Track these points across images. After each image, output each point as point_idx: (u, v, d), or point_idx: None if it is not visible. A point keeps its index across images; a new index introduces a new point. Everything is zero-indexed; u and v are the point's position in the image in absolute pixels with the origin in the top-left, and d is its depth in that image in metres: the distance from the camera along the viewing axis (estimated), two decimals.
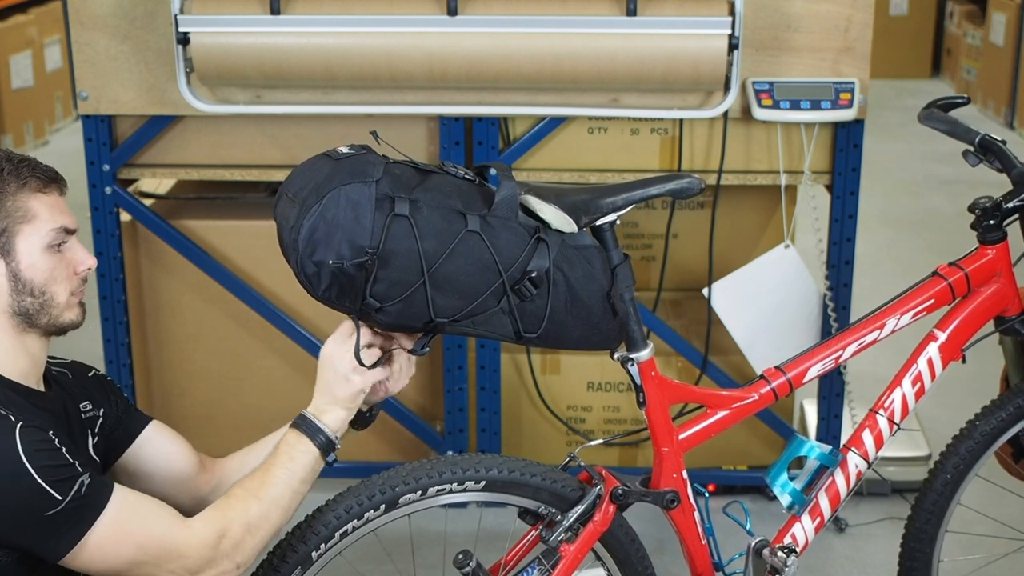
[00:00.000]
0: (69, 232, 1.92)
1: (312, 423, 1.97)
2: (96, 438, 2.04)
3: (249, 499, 1.90)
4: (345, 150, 1.94)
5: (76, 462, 1.80)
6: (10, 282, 1.87)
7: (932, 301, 2.27)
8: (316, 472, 1.97)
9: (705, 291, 3.19)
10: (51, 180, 1.91)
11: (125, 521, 1.81)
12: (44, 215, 1.88)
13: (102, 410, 2.06)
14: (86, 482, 1.78)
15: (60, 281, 1.90)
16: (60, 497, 1.75)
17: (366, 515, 2.03)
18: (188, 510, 1.94)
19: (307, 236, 1.84)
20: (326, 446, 1.97)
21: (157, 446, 2.13)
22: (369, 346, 1.99)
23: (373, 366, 1.98)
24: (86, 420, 2.02)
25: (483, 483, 2.07)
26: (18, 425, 1.77)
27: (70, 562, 1.80)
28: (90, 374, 2.09)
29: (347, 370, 1.97)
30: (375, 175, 1.88)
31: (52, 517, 1.75)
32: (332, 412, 1.98)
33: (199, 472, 2.17)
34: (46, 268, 1.88)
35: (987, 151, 2.30)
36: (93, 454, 2.02)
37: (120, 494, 1.82)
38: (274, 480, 1.93)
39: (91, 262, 1.95)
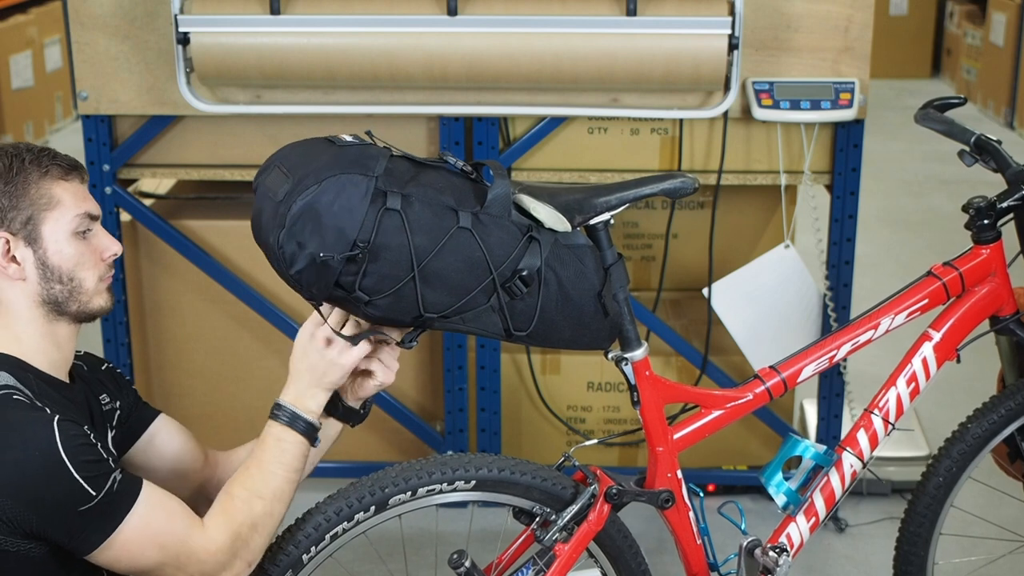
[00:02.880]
0: (93, 218, 1.94)
1: (293, 412, 1.97)
2: (114, 431, 2.05)
3: (253, 499, 1.92)
4: (348, 138, 1.94)
5: (109, 458, 1.81)
6: (38, 270, 1.89)
7: (926, 301, 2.27)
8: (306, 459, 1.99)
9: (705, 291, 3.19)
10: (72, 168, 1.93)
11: (152, 519, 1.83)
12: (68, 202, 1.90)
13: (118, 403, 2.07)
14: (118, 478, 1.80)
15: (88, 267, 1.92)
16: (94, 492, 1.76)
17: (356, 517, 2.02)
18: (189, 502, 1.95)
19: (296, 215, 1.83)
20: (310, 432, 1.98)
21: (165, 439, 2.14)
22: (344, 326, 1.99)
23: (356, 340, 1.97)
24: (106, 413, 2.04)
25: (473, 483, 2.07)
26: (55, 418, 1.78)
27: (97, 557, 1.81)
28: (103, 367, 2.11)
29: (331, 352, 1.97)
30: (376, 169, 1.87)
31: (85, 512, 1.76)
32: (313, 397, 1.98)
33: (203, 465, 2.18)
34: (73, 254, 1.90)
35: (983, 151, 2.31)
36: (112, 448, 2.03)
37: (148, 491, 1.84)
38: (272, 475, 1.94)
39: (117, 248, 1.96)
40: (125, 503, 1.81)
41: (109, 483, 1.78)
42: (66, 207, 1.90)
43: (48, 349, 1.92)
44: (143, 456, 2.13)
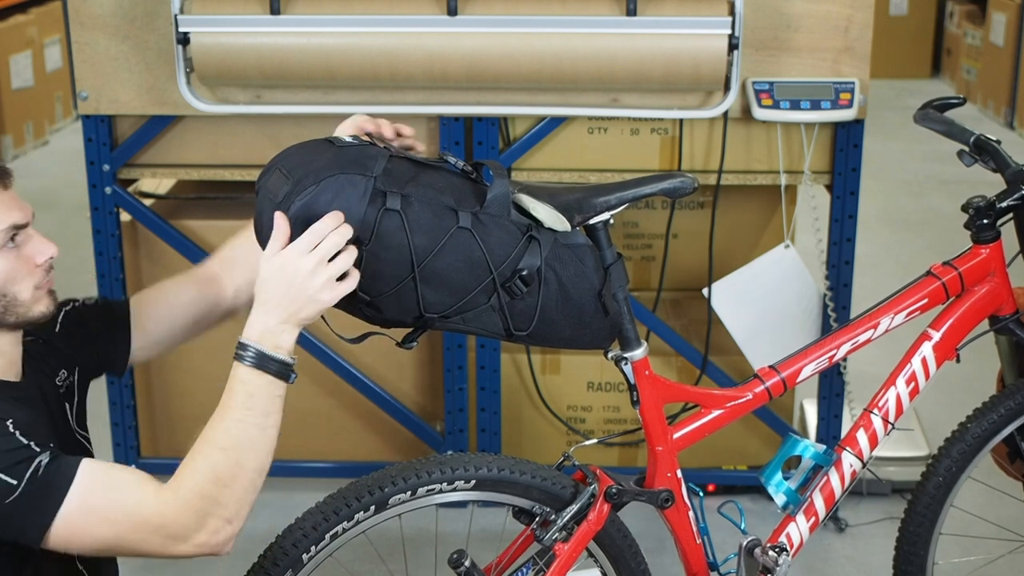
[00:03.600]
0: (19, 227, 1.82)
1: (260, 352, 1.79)
2: (76, 404, 2.00)
3: (212, 451, 1.77)
4: (348, 139, 1.94)
5: (32, 443, 1.73)
6: None
7: (926, 300, 2.27)
8: (281, 399, 1.81)
9: (705, 291, 3.19)
10: None
11: (90, 497, 1.73)
12: None
13: (76, 368, 2.01)
14: (43, 462, 1.72)
15: (20, 279, 1.82)
16: (15, 482, 1.69)
17: (356, 516, 2.02)
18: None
19: (295, 216, 1.81)
20: (284, 371, 1.80)
21: (151, 312, 2.10)
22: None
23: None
24: (64, 393, 1.98)
25: (473, 482, 2.07)
26: (10, 418, 1.74)
27: (50, 544, 1.74)
28: (57, 327, 2.00)
29: (314, 281, 1.79)
30: (375, 169, 1.87)
31: (14, 503, 1.69)
32: (283, 333, 1.80)
33: (208, 291, 2.13)
34: (1, 270, 1.80)
35: (982, 151, 2.31)
36: (75, 424, 1.98)
37: (86, 470, 1.74)
38: (235, 423, 1.78)
39: (51, 251, 1.86)
40: (57, 487, 1.71)
41: (32, 469, 1.70)
42: None
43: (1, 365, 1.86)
44: (149, 337, 2.10)
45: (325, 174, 1.84)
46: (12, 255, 1.82)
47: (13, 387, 1.88)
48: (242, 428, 1.78)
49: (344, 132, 2.04)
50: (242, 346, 1.80)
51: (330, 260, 1.80)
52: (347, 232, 1.81)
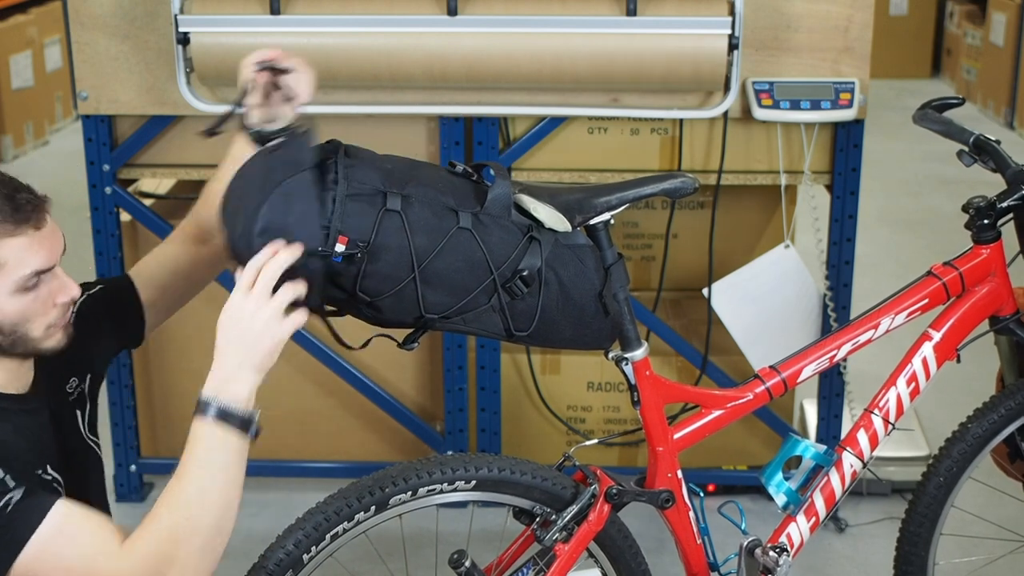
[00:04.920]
0: (42, 272, 1.79)
1: (216, 404, 1.74)
2: (89, 409, 2.00)
3: (168, 510, 1.73)
4: (276, 142, 1.92)
5: (7, 476, 1.70)
6: None
7: (926, 301, 2.27)
8: (240, 453, 1.76)
9: (705, 291, 3.19)
10: (23, 219, 1.76)
11: (52, 544, 1.69)
12: (12, 262, 1.76)
13: (88, 375, 2.01)
14: (14, 499, 1.68)
15: (34, 318, 1.80)
16: None
17: (356, 517, 2.02)
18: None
19: (260, 242, 1.78)
20: (244, 424, 1.76)
21: (154, 283, 2.11)
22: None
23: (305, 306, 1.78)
24: (75, 400, 1.97)
25: (473, 482, 2.07)
26: None
27: None
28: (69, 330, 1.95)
29: (262, 314, 1.76)
30: (308, 161, 1.83)
31: None
32: (241, 380, 1.75)
33: (193, 246, 2.14)
34: (16, 310, 1.78)
35: (981, 151, 2.31)
36: (86, 432, 1.97)
37: (56, 514, 1.70)
38: (193, 481, 1.74)
39: (73, 292, 1.84)
40: (23, 526, 1.68)
41: (1, 505, 1.67)
42: (9, 269, 1.75)
43: (8, 376, 1.83)
44: (159, 306, 2.11)
45: (268, 191, 1.80)
46: (30, 296, 1.79)
47: (17, 400, 1.86)
48: (198, 486, 1.74)
49: (245, 81, 1.99)
50: (200, 402, 1.76)
51: (275, 291, 1.77)
52: (286, 259, 1.76)
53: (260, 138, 1.98)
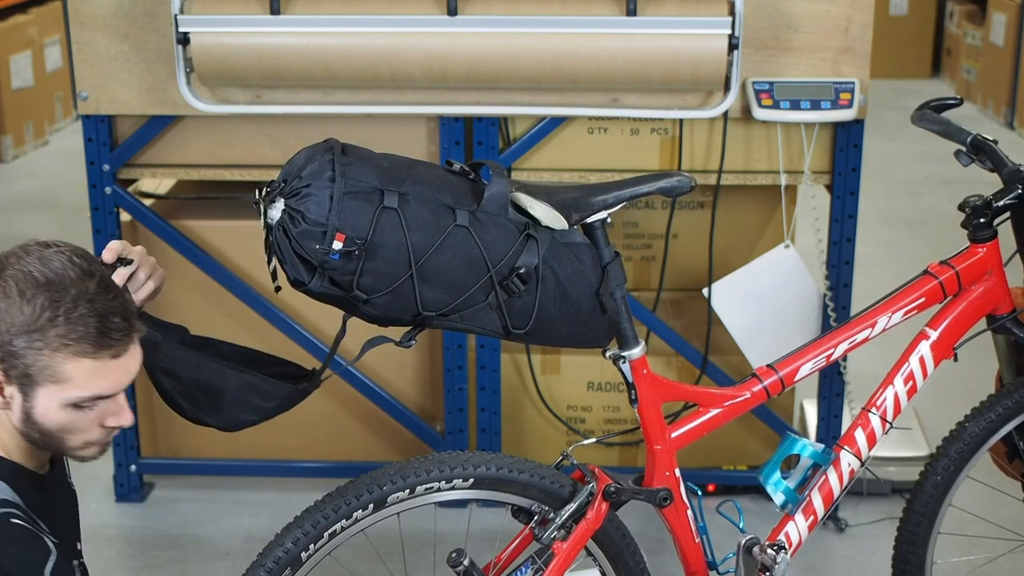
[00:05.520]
0: (103, 398, 1.74)
1: None
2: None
3: None
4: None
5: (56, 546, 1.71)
6: (21, 414, 1.73)
7: (923, 299, 2.27)
8: None
9: (705, 291, 3.19)
10: (103, 347, 1.70)
11: None
12: (77, 382, 1.70)
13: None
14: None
15: (78, 432, 1.76)
16: None
17: (355, 515, 2.02)
18: None
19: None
20: None
21: None
22: None
23: None
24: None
25: (471, 480, 2.07)
26: (52, 556, 1.70)
27: None
28: None
29: None
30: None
31: None
32: None
33: None
34: (62, 422, 1.73)
35: (979, 151, 2.32)
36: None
37: None
38: None
39: (125, 421, 1.78)
40: None
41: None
42: (71, 387, 1.70)
43: (29, 454, 1.81)
44: None
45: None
46: (79, 413, 1.74)
47: (43, 479, 1.85)
48: None
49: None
50: None
51: None
52: None
53: None
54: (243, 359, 2.06)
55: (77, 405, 1.72)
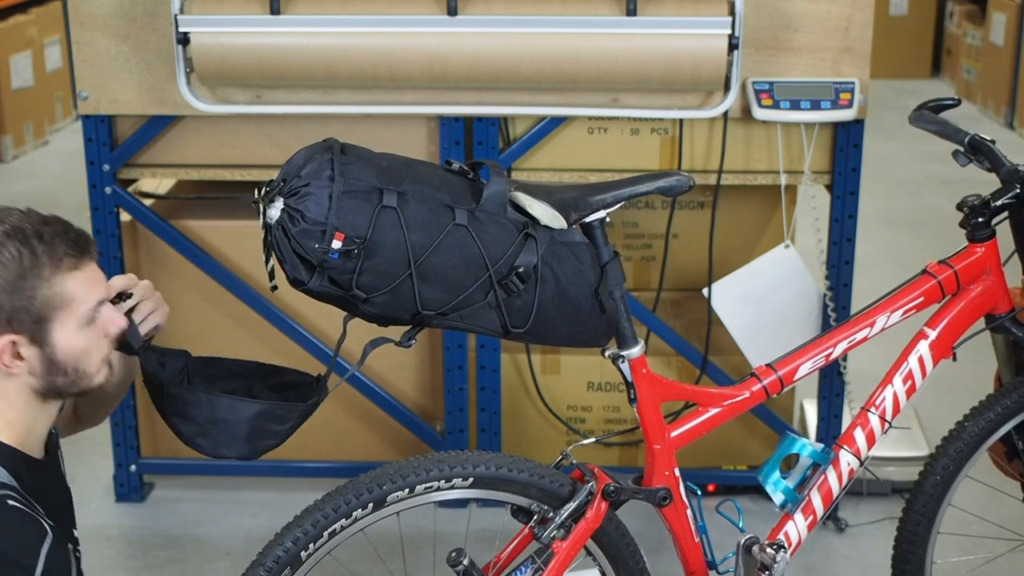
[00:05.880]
0: (103, 303, 1.84)
1: None
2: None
3: None
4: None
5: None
6: (43, 365, 1.80)
7: (922, 299, 2.28)
8: None
9: (705, 291, 3.19)
10: (83, 251, 1.81)
11: None
12: (81, 295, 1.80)
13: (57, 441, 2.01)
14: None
15: (93, 352, 1.83)
16: None
17: (354, 514, 2.02)
18: None
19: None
20: None
21: None
22: None
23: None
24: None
25: (471, 480, 2.08)
26: (48, 537, 1.72)
27: None
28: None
29: None
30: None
31: None
32: None
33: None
34: (81, 347, 1.81)
35: (977, 151, 2.32)
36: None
37: None
38: None
39: (122, 323, 1.87)
40: None
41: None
42: (79, 302, 1.80)
43: (32, 431, 1.84)
44: None
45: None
46: (91, 330, 1.83)
47: (40, 465, 1.87)
48: None
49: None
50: None
51: None
52: None
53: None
54: (249, 376, 2.07)
55: (88, 322, 1.81)
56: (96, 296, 1.82)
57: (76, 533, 1.96)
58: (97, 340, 1.84)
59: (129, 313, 1.93)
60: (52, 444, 1.94)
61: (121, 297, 1.94)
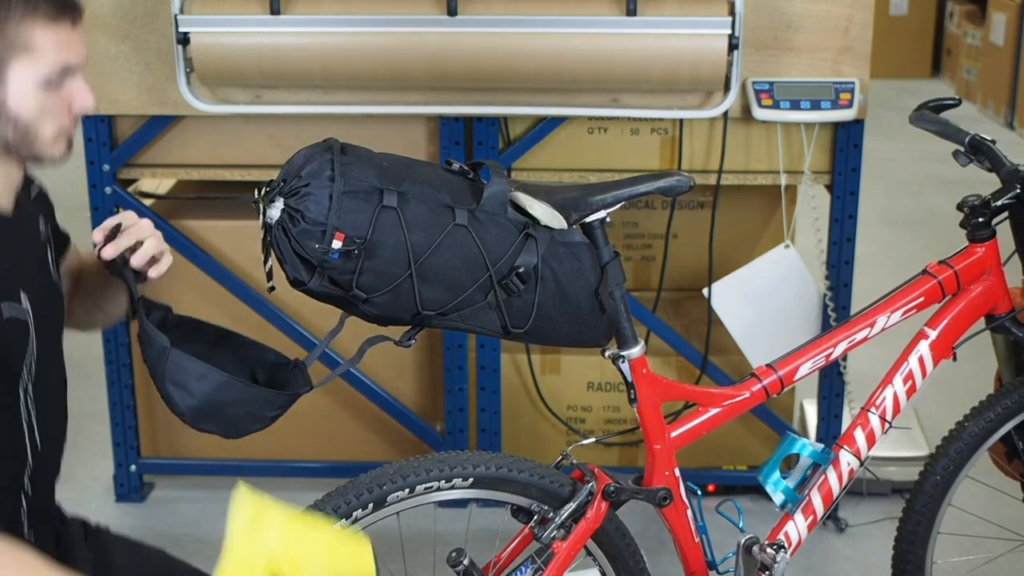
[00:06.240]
0: (70, 71, 1.77)
1: None
2: (51, 253, 1.94)
3: None
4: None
5: None
6: None
7: (922, 299, 2.28)
8: None
9: (705, 291, 3.19)
10: (63, 9, 1.74)
11: None
12: (46, 50, 1.73)
13: (49, 219, 1.96)
14: None
15: (49, 118, 1.76)
16: None
17: (354, 514, 2.02)
18: None
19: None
20: None
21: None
22: None
23: None
24: (44, 241, 1.92)
25: (471, 480, 2.08)
26: None
27: None
28: (33, 193, 1.93)
29: None
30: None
31: None
32: None
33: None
34: (36, 106, 1.74)
35: (977, 151, 2.32)
36: (54, 273, 1.92)
37: None
38: None
39: (90, 102, 1.80)
40: None
41: None
42: (42, 56, 1.72)
43: None
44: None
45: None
46: (51, 95, 1.76)
47: (10, 222, 1.81)
48: None
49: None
50: None
51: None
52: None
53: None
54: (232, 346, 2.04)
55: (49, 84, 1.74)
56: (64, 59, 1.75)
57: (24, 293, 1.82)
58: (56, 107, 1.77)
59: (131, 251, 1.89)
60: (24, 206, 1.86)
61: (118, 231, 1.88)
